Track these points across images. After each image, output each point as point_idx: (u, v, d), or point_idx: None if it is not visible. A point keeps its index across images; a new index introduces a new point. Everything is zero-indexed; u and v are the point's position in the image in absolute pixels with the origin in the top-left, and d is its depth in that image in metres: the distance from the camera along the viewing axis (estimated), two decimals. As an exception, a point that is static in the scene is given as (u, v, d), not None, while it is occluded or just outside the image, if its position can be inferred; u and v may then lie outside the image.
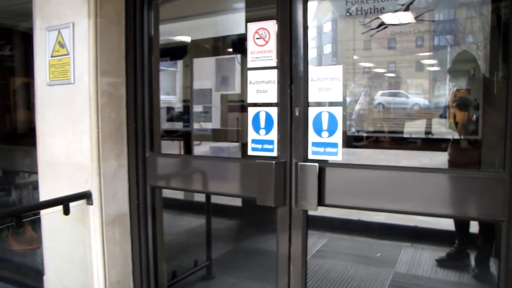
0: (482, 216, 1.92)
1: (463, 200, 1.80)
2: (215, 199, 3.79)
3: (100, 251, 2.42)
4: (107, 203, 2.44)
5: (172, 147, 4.27)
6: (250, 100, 2.12)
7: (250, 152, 2.13)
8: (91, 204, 2.41)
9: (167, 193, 2.88)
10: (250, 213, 4.36)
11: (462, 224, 3.43)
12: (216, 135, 4.08)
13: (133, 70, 2.50)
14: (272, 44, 2.05)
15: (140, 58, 2.50)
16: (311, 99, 1.99)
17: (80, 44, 2.38)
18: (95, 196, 2.40)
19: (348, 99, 4.43)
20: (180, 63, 4.38)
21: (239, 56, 3.84)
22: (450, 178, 1.84)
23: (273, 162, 2.01)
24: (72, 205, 2.33)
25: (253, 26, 2.10)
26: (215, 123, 3.94)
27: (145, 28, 2.50)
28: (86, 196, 2.40)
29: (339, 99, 1.95)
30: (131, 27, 2.50)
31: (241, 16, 3.78)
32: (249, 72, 2.12)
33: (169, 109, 4.46)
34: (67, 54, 2.43)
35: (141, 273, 2.59)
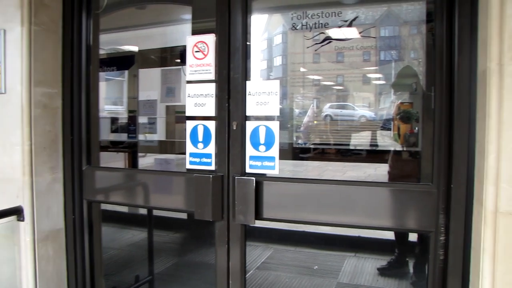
0: (413, 228, 1.99)
1: (396, 212, 1.87)
2: (159, 212, 3.72)
3: (31, 270, 2.30)
4: (40, 219, 2.33)
5: (117, 158, 4.16)
6: (188, 113, 2.11)
7: (188, 166, 2.11)
8: (22, 220, 2.29)
9: (110, 206, 2.80)
10: (195, 226, 4.30)
11: (401, 233, 3.55)
12: (162, 147, 4.02)
13: (70, 80, 2.42)
14: (211, 58, 2.05)
15: (78, 68, 2.43)
16: (248, 113, 2.00)
17: (12, 53, 2.27)
18: (26, 212, 2.28)
19: (296, 111, 4.48)
20: (127, 73, 4.28)
21: (185, 67, 3.80)
22: (384, 191, 1.90)
23: (211, 176, 2.00)
24: (0, 221, 2.21)
25: (192, 39, 2.10)
26: (160, 135, 3.88)
27: (83, 38, 2.44)
28: (16, 211, 2.27)
29: (276, 113, 1.99)
30: (69, 37, 2.42)
31: (188, 27, 3.75)
32: (188, 85, 2.11)
33: (115, 120, 4.33)
34: (-2, 63, 2.32)
35: (77, 291, 2.48)
